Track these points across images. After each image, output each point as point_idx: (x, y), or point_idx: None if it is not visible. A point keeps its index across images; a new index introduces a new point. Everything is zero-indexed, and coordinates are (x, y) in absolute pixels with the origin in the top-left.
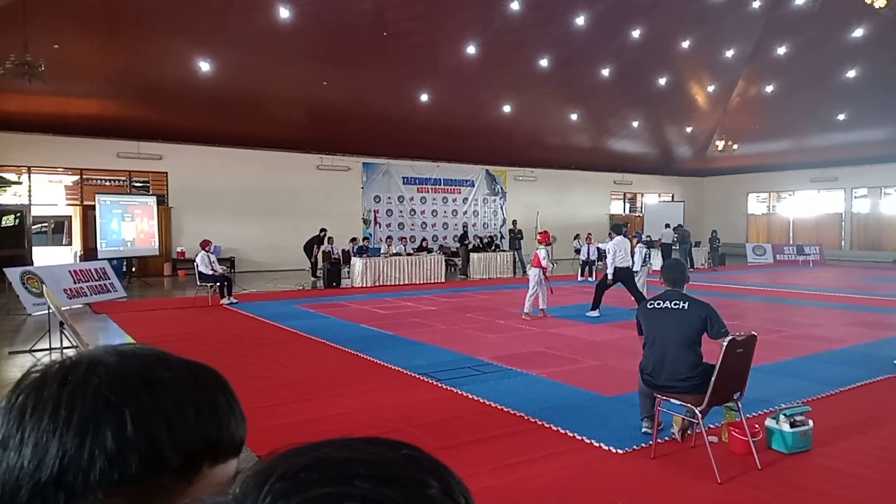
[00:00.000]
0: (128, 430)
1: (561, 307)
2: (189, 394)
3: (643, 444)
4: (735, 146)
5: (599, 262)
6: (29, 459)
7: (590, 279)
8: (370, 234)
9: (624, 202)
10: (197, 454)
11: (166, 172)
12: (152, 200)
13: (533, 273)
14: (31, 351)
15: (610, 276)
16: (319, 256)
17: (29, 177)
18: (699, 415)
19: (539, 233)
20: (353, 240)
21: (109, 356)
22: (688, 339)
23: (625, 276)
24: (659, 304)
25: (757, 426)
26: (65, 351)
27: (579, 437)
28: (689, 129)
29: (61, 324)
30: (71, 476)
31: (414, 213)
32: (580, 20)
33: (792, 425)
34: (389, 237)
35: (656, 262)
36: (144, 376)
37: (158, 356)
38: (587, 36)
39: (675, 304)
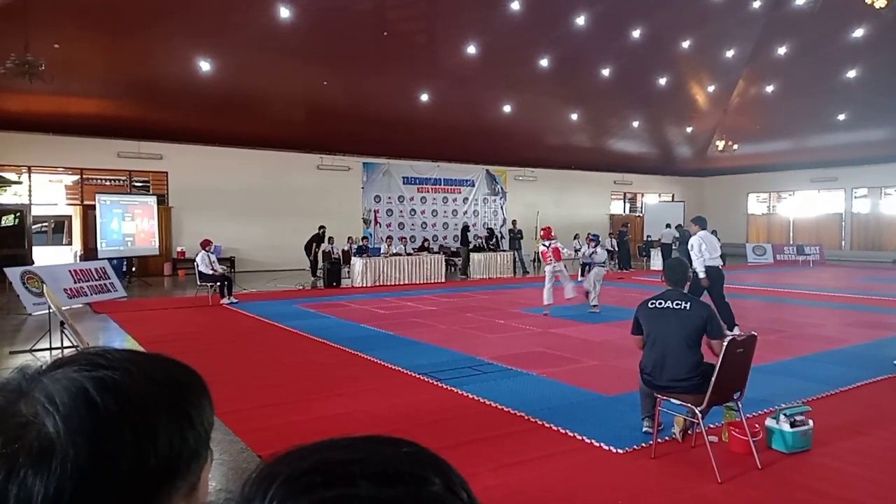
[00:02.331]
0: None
1: (561, 307)
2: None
3: (643, 444)
4: (735, 146)
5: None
6: None
7: None
8: (370, 234)
9: (624, 202)
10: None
11: (166, 172)
12: (152, 200)
13: (560, 267)
14: (31, 350)
15: (702, 275)
16: (319, 255)
17: (29, 176)
18: (699, 414)
19: (542, 229)
20: (350, 239)
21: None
22: (689, 340)
23: (715, 276)
24: (661, 303)
25: (757, 426)
26: (65, 351)
27: (580, 437)
28: (689, 130)
29: (62, 323)
30: None
31: (414, 212)
32: (580, 20)
33: (792, 425)
34: (389, 237)
35: (656, 261)
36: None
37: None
38: (587, 36)
39: (678, 305)
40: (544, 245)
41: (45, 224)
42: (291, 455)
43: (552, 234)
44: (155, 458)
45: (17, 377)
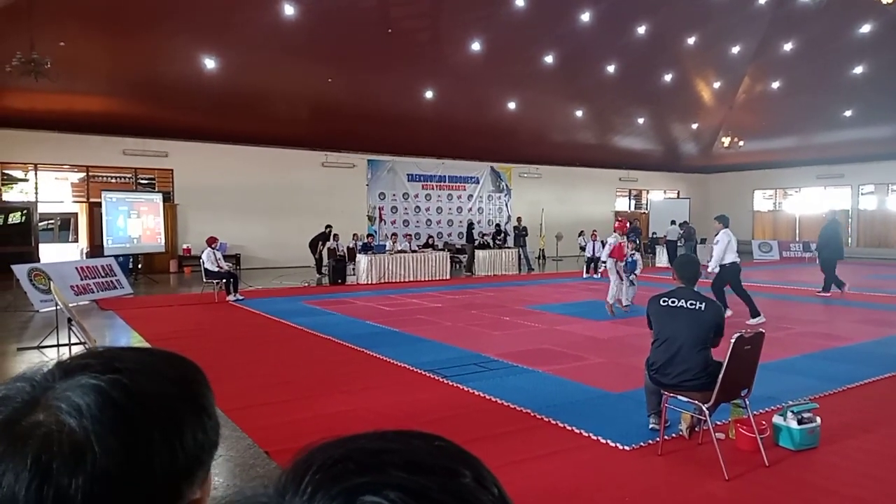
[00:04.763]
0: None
1: (567, 304)
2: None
3: (650, 441)
4: (741, 143)
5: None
6: None
7: (595, 276)
8: (375, 232)
9: (629, 199)
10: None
11: (172, 169)
12: (158, 197)
13: (611, 263)
14: (39, 347)
15: (714, 270)
16: (325, 253)
17: (35, 174)
18: (707, 412)
19: (618, 220)
20: (355, 236)
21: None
22: (702, 340)
23: (734, 272)
24: (674, 301)
25: (764, 423)
26: (73, 348)
27: (586, 434)
28: (694, 126)
29: (69, 320)
30: None
31: (419, 210)
32: (585, 17)
33: (799, 422)
34: (395, 234)
35: (662, 258)
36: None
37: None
38: (592, 33)
39: (692, 305)
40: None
41: (52, 221)
42: (325, 445)
43: (625, 228)
44: (183, 454)
45: (24, 386)
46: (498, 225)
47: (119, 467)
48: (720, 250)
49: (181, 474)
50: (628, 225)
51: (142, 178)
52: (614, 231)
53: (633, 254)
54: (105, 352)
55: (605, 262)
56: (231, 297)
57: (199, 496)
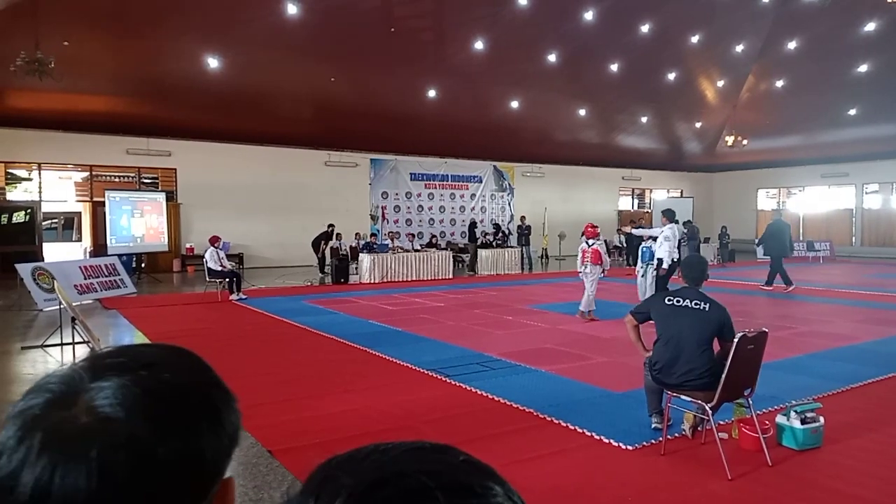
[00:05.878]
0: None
1: (569, 303)
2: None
3: (653, 441)
4: (745, 142)
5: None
6: None
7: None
8: (378, 231)
9: (632, 198)
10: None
11: (175, 169)
12: (161, 197)
13: (596, 270)
14: (42, 346)
15: (666, 265)
16: (327, 252)
17: (39, 173)
18: (709, 411)
19: (590, 226)
20: (358, 235)
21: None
22: (705, 340)
23: (672, 270)
24: (678, 301)
25: (767, 423)
26: (76, 347)
27: (589, 434)
28: (698, 125)
29: (73, 319)
30: None
31: (421, 209)
32: (589, 15)
33: (803, 422)
34: (397, 232)
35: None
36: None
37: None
38: (596, 31)
39: (696, 305)
40: (586, 244)
41: (55, 221)
42: (347, 464)
43: (597, 232)
44: (227, 439)
45: (60, 388)
46: (497, 224)
47: (176, 461)
48: (670, 246)
49: (227, 457)
50: (598, 229)
51: (145, 178)
52: (593, 237)
53: (650, 245)
54: (128, 349)
55: (582, 271)
56: (234, 297)
57: (229, 475)
